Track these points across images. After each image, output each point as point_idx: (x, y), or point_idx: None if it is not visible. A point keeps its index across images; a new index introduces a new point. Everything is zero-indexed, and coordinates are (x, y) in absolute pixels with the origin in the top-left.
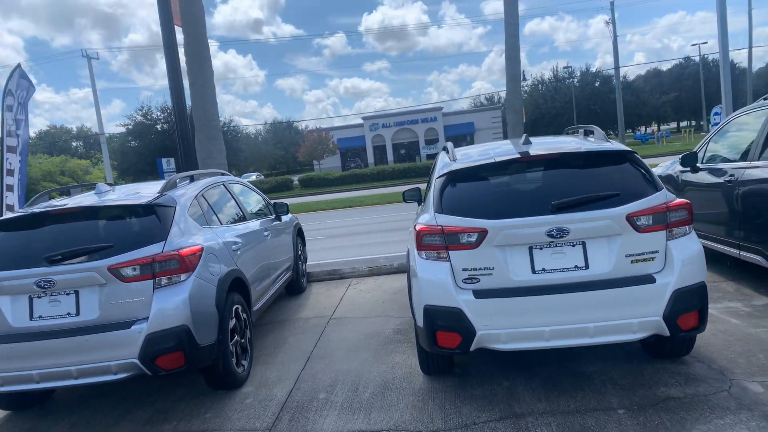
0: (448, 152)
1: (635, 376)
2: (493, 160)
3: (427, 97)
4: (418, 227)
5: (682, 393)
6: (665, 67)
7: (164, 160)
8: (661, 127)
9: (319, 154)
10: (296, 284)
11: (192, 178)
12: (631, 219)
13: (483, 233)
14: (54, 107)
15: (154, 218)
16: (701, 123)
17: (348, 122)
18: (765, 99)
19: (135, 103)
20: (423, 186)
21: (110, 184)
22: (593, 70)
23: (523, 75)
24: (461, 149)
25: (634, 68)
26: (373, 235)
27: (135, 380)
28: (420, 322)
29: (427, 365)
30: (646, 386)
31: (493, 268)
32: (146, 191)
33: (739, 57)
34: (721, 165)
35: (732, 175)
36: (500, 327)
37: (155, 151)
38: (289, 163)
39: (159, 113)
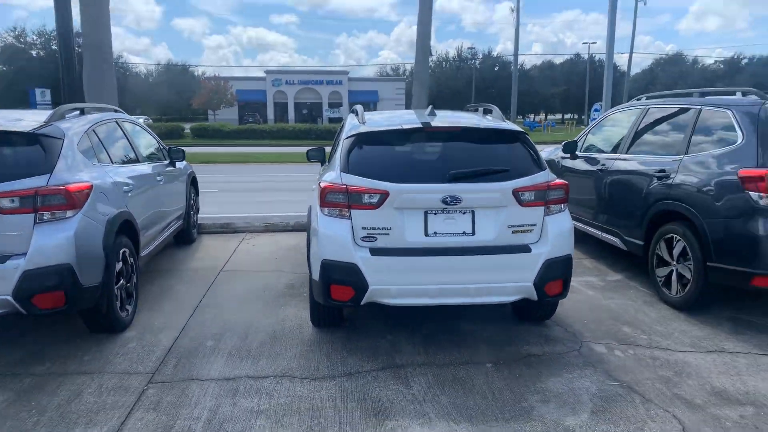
0: (357, 115)
1: (505, 335)
2: (400, 127)
3: (333, 59)
4: (323, 184)
5: (541, 351)
6: (558, 60)
7: (38, 91)
8: (548, 117)
9: (215, 104)
10: (187, 234)
11: (83, 111)
12: (516, 193)
13: (384, 195)
14: None
15: (38, 149)
16: (582, 117)
17: (249, 74)
18: (638, 99)
19: (6, 22)
20: (328, 147)
21: None
22: (495, 54)
23: (430, 50)
24: (370, 113)
25: (531, 58)
26: (269, 193)
27: (7, 319)
28: (316, 276)
29: (318, 318)
30: (513, 344)
31: (390, 229)
32: (29, 118)
33: (621, 60)
34: (595, 155)
35: (603, 165)
36: (391, 283)
37: (27, 80)
38: (181, 110)
39: (35, 37)
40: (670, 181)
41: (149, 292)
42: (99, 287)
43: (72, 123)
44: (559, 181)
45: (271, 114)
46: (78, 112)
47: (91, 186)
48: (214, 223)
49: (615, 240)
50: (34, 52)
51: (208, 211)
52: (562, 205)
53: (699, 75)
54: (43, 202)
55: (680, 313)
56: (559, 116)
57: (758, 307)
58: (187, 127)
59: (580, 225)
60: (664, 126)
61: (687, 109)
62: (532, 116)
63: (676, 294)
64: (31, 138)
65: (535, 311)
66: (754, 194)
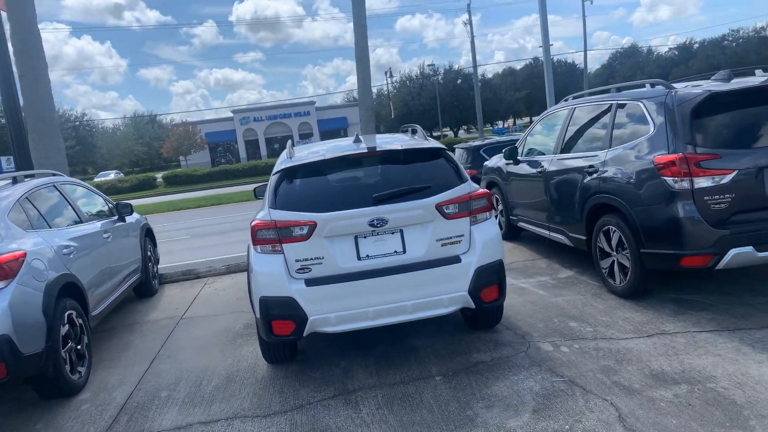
0: (286, 150)
1: (455, 346)
2: (323, 158)
3: (302, 90)
4: (253, 223)
5: (490, 357)
6: (518, 66)
7: (3, 159)
8: (516, 122)
9: (185, 149)
10: (146, 286)
11: (15, 180)
12: (440, 207)
13: (313, 226)
14: None
15: None
16: None
17: (219, 115)
18: (565, 100)
19: None
20: None
21: None
22: (456, 67)
23: (391, 72)
24: (302, 146)
25: (492, 67)
26: (239, 233)
27: None
28: (258, 314)
29: (269, 354)
30: (462, 354)
31: (323, 258)
32: None
33: (579, 59)
34: (535, 157)
35: (542, 167)
36: (329, 311)
37: None
38: (153, 160)
39: None
40: (599, 176)
41: (106, 348)
42: (42, 354)
43: (2, 193)
44: (481, 191)
45: (243, 153)
46: (10, 181)
47: (24, 254)
48: (175, 271)
49: (562, 238)
50: None
51: (179, 258)
52: (487, 213)
53: (655, 64)
54: None
55: (626, 301)
56: (527, 119)
57: (698, 286)
58: (160, 175)
59: (530, 227)
60: (588, 123)
61: (605, 105)
62: (500, 123)
63: (620, 283)
64: None
65: (481, 319)
66: (669, 179)
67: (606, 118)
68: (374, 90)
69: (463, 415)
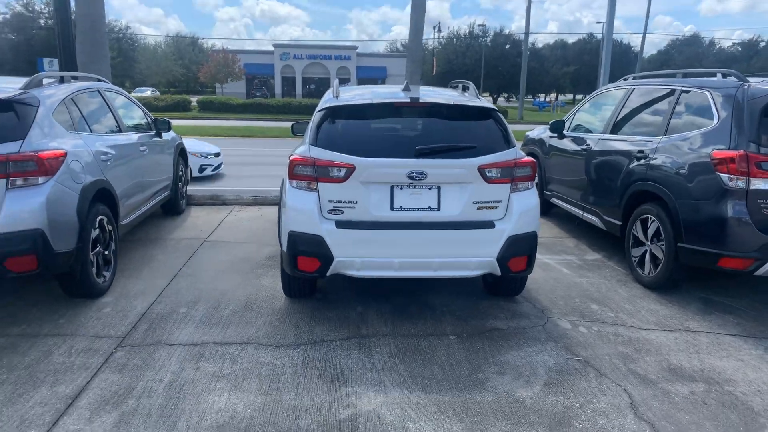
0: (332, 89)
1: (471, 309)
2: (370, 101)
3: (345, 33)
4: (292, 157)
5: (506, 326)
6: (571, 40)
7: (46, 60)
8: (559, 97)
9: (223, 77)
10: (174, 205)
11: (62, 79)
12: (482, 170)
13: (351, 169)
14: None
15: (12, 115)
16: None
17: (259, 47)
18: (625, 79)
19: None
20: None
21: None
22: (507, 32)
23: (439, 27)
24: (347, 88)
25: (543, 37)
26: (267, 167)
27: None
28: (284, 247)
29: (289, 288)
30: (478, 318)
31: (356, 202)
32: (8, 86)
33: (636, 41)
34: (582, 134)
35: (588, 145)
36: (355, 255)
37: (36, 49)
38: (189, 83)
39: (43, 6)
40: (648, 162)
41: (131, 259)
42: (72, 253)
43: (49, 91)
44: (526, 158)
45: (278, 88)
46: (57, 80)
47: (65, 153)
48: (203, 194)
49: (595, 220)
50: (42, 21)
51: (205, 185)
52: (529, 182)
53: (714, 57)
54: (15, 168)
55: (651, 293)
56: (570, 96)
57: (728, 288)
58: (194, 99)
59: (563, 204)
60: (646, 106)
61: (668, 90)
62: (542, 96)
63: (649, 274)
64: (5, 105)
65: (503, 286)
66: (724, 176)
67: (666, 104)
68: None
69: (473, 377)
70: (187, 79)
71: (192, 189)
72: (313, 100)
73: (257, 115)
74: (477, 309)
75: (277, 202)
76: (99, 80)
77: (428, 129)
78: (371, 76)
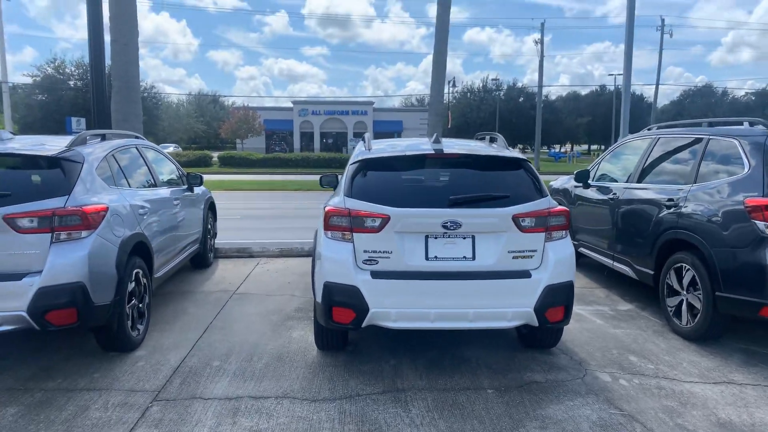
0: (364, 141)
1: (507, 362)
2: (403, 153)
3: (361, 90)
4: (327, 208)
5: (544, 378)
6: (584, 92)
7: (74, 120)
8: (574, 148)
9: (243, 132)
10: (203, 258)
11: (104, 137)
12: (516, 219)
13: (386, 219)
14: None
15: (58, 172)
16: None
17: (278, 104)
18: (649, 129)
19: (49, 54)
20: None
21: (12, 133)
22: (520, 85)
23: (454, 81)
24: (378, 141)
25: (556, 89)
26: (289, 220)
27: (20, 336)
28: (319, 298)
29: (322, 340)
30: (515, 371)
31: (391, 252)
32: (53, 144)
33: (649, 92)
34: (607, 183)
35: (615, 194)
36: (391, 306)
37: (65, 109)
38: (210, 139)
39: (73, 69)
40: (679, 210)
41: (163, 313)
42: (110, 306)
43: (92, 148)
44: (560, 207)
45: (297, 143)
46: (99, 138)
47: (107, 208)
48: (230, 247)
49: (626, 269)
50: (71, 83)
51: (228, 237)
52: (564, 231)
53: (728, 107)
54: (60, 223)
55: (690, 344)
56: (585, 147)
57: None
58: (215, 155)
59: (593, 254)
60: (673, 155)
61: (695, 139)
62: (558, 147)
63: (687, 324)
64: (52, 161)
65: (539, 338)
66: (760, 223)
67: (693, 152)
68: None
69: None
70: (208, 135)
71: (217, 242)
72: (330, 154)
73: (277, 169)
74: (513, 361)
75: (303, 253)
76: (136, 137)
77: (460, 179)
78: (388, 129)
